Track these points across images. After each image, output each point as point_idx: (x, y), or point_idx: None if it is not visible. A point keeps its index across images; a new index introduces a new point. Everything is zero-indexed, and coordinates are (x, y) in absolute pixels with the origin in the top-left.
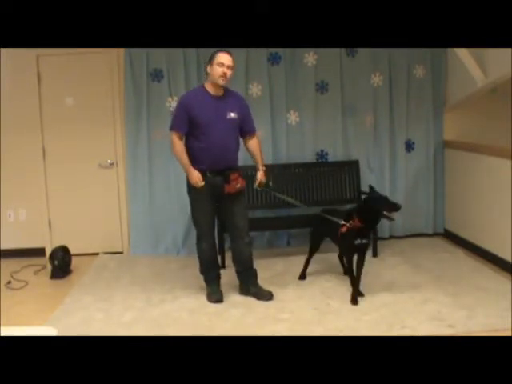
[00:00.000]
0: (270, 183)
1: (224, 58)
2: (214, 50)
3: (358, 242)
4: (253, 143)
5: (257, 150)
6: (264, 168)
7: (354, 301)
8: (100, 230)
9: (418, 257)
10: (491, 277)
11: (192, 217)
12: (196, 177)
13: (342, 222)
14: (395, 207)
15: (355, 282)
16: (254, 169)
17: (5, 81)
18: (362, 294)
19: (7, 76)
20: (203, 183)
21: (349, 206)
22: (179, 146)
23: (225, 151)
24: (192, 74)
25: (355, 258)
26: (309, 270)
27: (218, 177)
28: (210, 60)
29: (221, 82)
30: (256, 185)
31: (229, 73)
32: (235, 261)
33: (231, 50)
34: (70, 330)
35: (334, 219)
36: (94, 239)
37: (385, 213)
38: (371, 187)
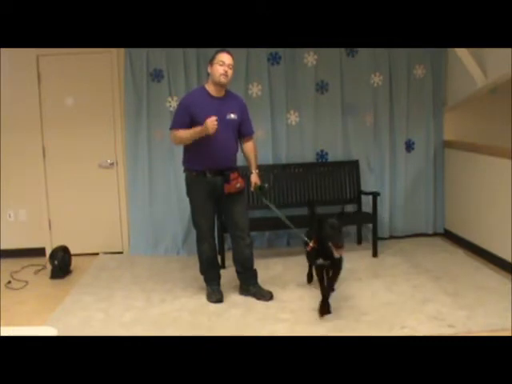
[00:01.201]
0: (266, 185)
1: (224, 57)
2: (215, 50)
3: (319, 261)
4: (249, 146)
5: (252, 153)
6: (257, 171)
7: (322, 311)
8: (100, 230)
9: (417, 257)
10: (491, 277)
11: (192, 217)
12: (209, 122)
13: (306, 240)
14: (338, 245)
15: (324, 294)
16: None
17: (5, 81)
18: (329, 311)
19: (7, 76)
20: (216, 123)
21: (348, 207)
22: (179, 131)
23: (225, 152)
24: (192, 74)
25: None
26: (308, 270)
27: (217, 177)
28: (211, 60)
29: (222, 80)
30: (252, 188)
31: (230, 72)
32: (236, 261)
33: (231, 50)
34: (69, 330)
35: (303, 237)
36: (93, 239)
37: (331, 244)
38: (341, 213)
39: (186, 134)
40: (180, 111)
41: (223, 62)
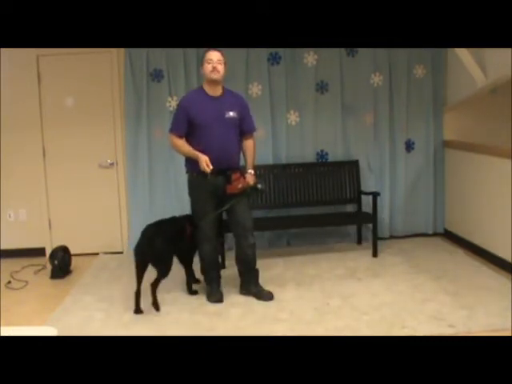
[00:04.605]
0: (259, 186)
1: (212, 54)
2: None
3: None
4: (247, 143)
5: (250, 152)
6: (252, 172)
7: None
8: (100, 229)
9: (417, 257)
10: (491, 276)
11: (193, 218)
12: (204, 161)
13: None
14: None
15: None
16: (256, 169)
17: (5, 81)
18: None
19: (7, 76)
20: (211, 167)
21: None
22: (179, 141)
23: (225, 151)
24: (192, 74)
25: None
26: (309, 270)
27: (219, 177)
28: (202, 61)
29: (213, 76)
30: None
31: (219, 67)
32: (238, 261)
33: (231, 50)
34: (69, 330)
35: None
36: (94, 239)
37: None
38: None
39: (183, 148)
40: (178, 114)
41: (211, 60)
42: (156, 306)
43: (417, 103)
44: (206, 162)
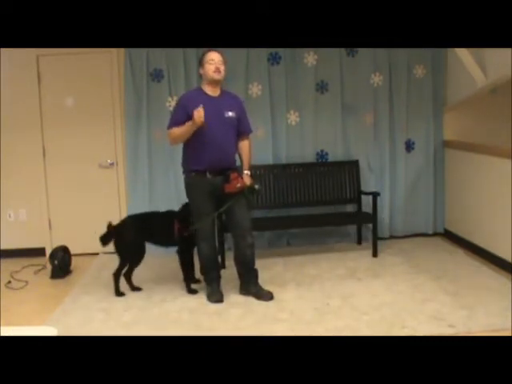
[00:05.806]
0: (256, 186)
1: (213, 55)
2: (202, 52)
3: None
4: (244, 144)
5: (246, 153)
6: (249, 173)
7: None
8: (100, 230)
9: (417, 257)
10: (491, 276)
11: (189, 216)
12: (195, 113)
13: None
14: None
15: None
16: (256, 169)
17: (5, 81)
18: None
19: (7, 76)
20: (201, 110)
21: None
22: (174, 129)
23: (223, 150)
24: (192, 74)
25: None
26: (309, 270)
27: (218, 177)
28: (201, 62)
29: (215, 76)
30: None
31: (222, 68)
32: (237, 262)
33: (231, 50)
34: (70, 330)
35: None
36: (94, 239)
37: None
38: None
39: (179, 130)
40: (178, 111)
41: (213, 60)
42: (135, 289)
43: (417, 103)
44: (197, 113)
